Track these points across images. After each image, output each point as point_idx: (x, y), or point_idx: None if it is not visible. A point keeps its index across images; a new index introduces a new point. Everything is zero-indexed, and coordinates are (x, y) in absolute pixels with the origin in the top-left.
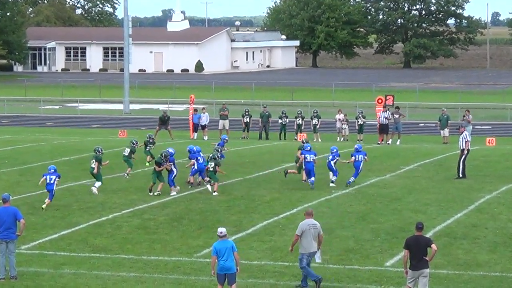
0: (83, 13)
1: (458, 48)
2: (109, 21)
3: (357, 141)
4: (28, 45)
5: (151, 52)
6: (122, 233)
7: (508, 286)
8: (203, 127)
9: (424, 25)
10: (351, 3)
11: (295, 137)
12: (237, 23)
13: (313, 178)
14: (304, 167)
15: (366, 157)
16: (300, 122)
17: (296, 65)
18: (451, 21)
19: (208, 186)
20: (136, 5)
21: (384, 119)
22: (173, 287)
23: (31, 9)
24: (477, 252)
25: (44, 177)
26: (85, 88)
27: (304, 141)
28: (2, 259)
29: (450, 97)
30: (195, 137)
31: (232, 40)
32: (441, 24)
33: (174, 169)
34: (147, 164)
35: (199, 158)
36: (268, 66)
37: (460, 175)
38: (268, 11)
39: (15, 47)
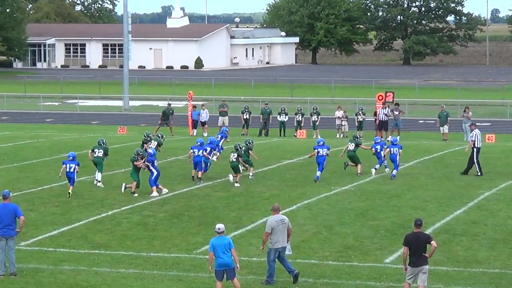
0: (82, 9)
1: (458, 45)
2: (108, 18)
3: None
4: (28, 41)
5: (150, 48)
6: (121, 229)
7: (508, 283)
8: (203, 123)
9: (423, 22)
10: (351, 0)
11: (295, 134)
12: (237, 19)
13: (319, 173)
14: (316, 160)
15: (400, 151)
16: (300, 119)
17: (296, 62)
18: (450, 18)
19: (230, 176)
20: (135, 1)
21: (384, 115)
22: (173, 284)
23: (30, 5)
24: (477, 249)
25: (64, 165)
26: (85, 84)
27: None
28: (1, 255)
29: (449, 94)
30: (194, 134)
31: (232, 37)
32: (441, 21)
33: (153, 170)
34: None
35: (195, 150)
36: (267, 63)
37: (479, 173)
38: (268, 7)
39: (15, 44)
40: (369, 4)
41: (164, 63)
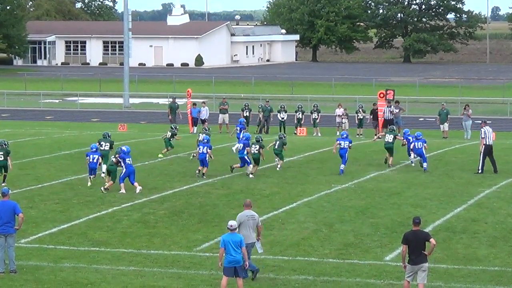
0: (83, 7)
1: (458, 43)
2: (109, 15)
3: (357, 136)
4: (28, 39)
5: (151, 46)
6: (121, 227)
7: (507, 281)
8: (203, 121)
9: (424, 19)
10: None
11: (295, 132)
12: (237, 17)
13: (343, 166)
14: (339, 152)
15: (425, 144)
16: (300, 116)
17: (296, 59)
18: (451, 15)
19: (250, 167)
20: None
21: (389, 113)
22: (173, 281)
23: (31, 3)
24: (477, 247)
25: (88, 156)
26: (85, 82)
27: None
28: (1, 253)
29: (449, 91)
30: (194, 131)
31: (232, 34)
32: (441, 19)
33: (123, 167)
34: (161, 155)
35: (200, 147)
36: (268, 60)
37: (480, 171)
38: (268, 5)
39: (15, 41)
40: (370, 1)
41: (164, 61)
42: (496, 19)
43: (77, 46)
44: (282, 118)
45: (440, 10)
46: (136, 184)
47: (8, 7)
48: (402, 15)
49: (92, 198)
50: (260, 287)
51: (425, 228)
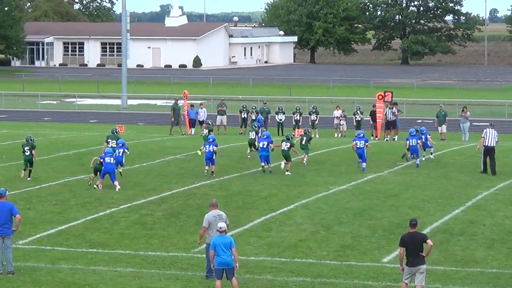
0: (81, 8)
1: (456, 45)
2: (107, 16)
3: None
4: (26, 40)
5: (149, 47)
6: (119, 228)
7: (505, 283)
8: (201, 122)
9: (422, 21)
10: None
11: (293, 133)
12: (235, 18)
13: (364, 164)
14: (356, 152)
15: (419, 141)
16: (298, 118)
17: (294, 61)
18: (449, 17)
19: (282, 163)
20: (134, 0)
21: (392, 115)
22: (170, 283)
23: (29, 4)
24: (474, 249)
25: (117, 150)
26: (83, 83)
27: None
28: None
29: (447, 93)
30: (192, 133)
31: (230, 36)
32: (439, 21)
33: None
34: (199, 152)
35: (206, 146)
36: (266, 62)
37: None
38: (266, 7)
39: (13, 42)
40: (368, 3)
41: (162, 62)
42: (494, 21)
43: (75, 47)
44: (280, 120)
45: (438, 12)
46: (116, 183)
47: (6, 8)
48: (400, 17)
49: (89, 199)
50: None
51: (422, 230)
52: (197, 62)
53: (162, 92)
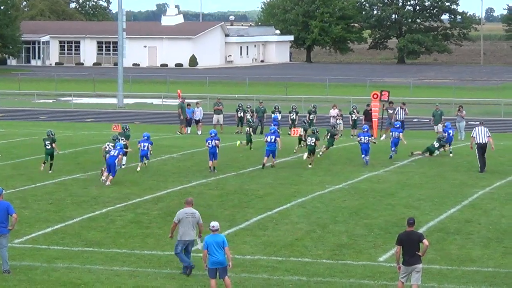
0: (77, 7)
1: (452, 44)
2: (103, 15)
3: (351, 136)
4: (22, 38)
5: (145, 46)
6: (115, 227)
7: (501, 282)
8: (197, 121)
9: (418, 20)
10: None
11: (289, 132)
12: (231, 17)
13: (367, 157)
14: (361, 147)
15: (401, 134)
16: (294, 117)
17: (290, 60)
18: (445, 16)
19: (305, 155)
20: None
21: (404, 115)
22: (166, 282)
23: (25, 2)
24: (470, 248)
25: (140, 144)
26: (79, 82)
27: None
28: None
29: (443, 92)
30: (188, 132)
31: (226, 35)
32: (435, 20)
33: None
34: (238, 144)
35: (209, 142)
36: (262, 61)
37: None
38: (262, 6)
39: (9, 41)
40: (364, 2)
41: (158, 61)
42: (490, 21)
43: (71, 46)
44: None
45: (435, 11)
46: (110, 178)
47: (2, 7)
48: (396, 16)
49: (85, 198)
50: None
51: (418, 229)
52: (193, 61)
53: (158, 91)
